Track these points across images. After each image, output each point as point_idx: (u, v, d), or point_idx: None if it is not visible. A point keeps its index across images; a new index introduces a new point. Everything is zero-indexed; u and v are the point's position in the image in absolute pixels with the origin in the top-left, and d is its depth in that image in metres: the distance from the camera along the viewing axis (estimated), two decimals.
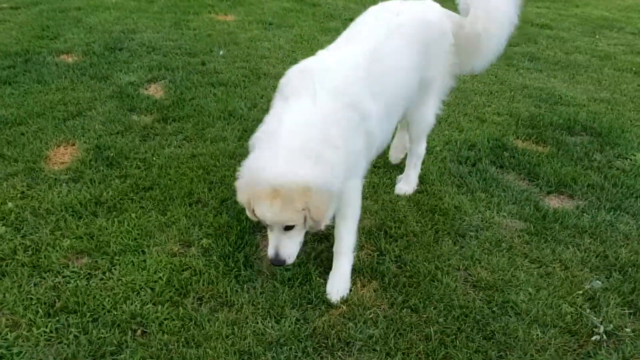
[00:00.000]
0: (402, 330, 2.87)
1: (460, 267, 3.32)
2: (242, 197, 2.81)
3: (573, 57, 7.62)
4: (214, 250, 3.35)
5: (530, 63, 7.21)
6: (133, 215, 3.61)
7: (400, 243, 3.46)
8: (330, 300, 3.04)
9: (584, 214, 3.86)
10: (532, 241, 3.57)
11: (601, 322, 2.90)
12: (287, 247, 2.83)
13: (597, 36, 8.78)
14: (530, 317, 2.97)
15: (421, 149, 3.98)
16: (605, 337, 2.84)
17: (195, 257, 3.29)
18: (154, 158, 4.29)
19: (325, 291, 3.08)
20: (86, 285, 3.05)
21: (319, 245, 3.42)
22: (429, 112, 3.72)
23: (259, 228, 3.57)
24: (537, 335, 2.87)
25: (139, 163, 4.20)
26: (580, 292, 3.14)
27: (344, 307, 3.00)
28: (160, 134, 4.70)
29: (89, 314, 2.86)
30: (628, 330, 2.89)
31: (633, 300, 3.11)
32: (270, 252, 2.84)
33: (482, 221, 3.74)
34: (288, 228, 2.78)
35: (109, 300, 2.95)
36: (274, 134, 2.74)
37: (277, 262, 2.84)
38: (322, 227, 2.83)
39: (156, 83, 5.76)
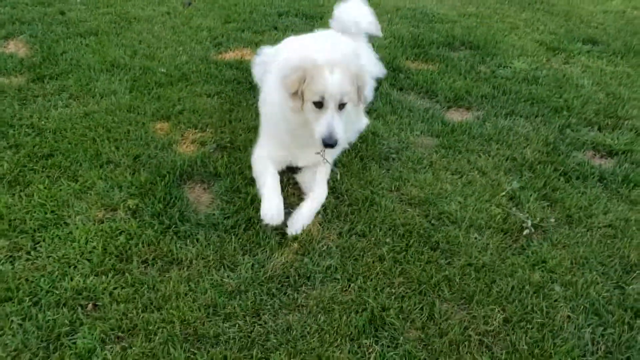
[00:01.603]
0: (356, 255, 2.95)
1: (392, 188, 3.45)
2: (292, 79, 3.00)
3: None
4: (144, 210, 3.16)
5: None
6: (40, 186, 3.27)
7: (332, 175, 3.50)
8: (290, 232, 3.05)
9: (486, 123, 4.15)
10: (448, 155, 3.79)
11: (527, 217, 3.20)
12: (340, 127, 2.98)
13: None
14: (466, 223, 3.18)
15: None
16: (533, 230, 3.14)
17: (125, 221, 3.08)
18: (43, 122, 3.87)
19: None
20: (12, 269, 2.75)
21: (253, 189, 3.35)
22: None
23: (184, 180, 3.42)
24: (476, 237, 3.10)
25: (27, 130, 3.77)
26: (503, 193, 3.41)
27: (296, 245, 3.00)
28: (40, 95, 4.24)
29: (27, 298, 2.59)
30: (552, 220, 3.21)
31: (547, 193, 3.45)
32: (324, 131, 2.96)
33: (399, 142, 3.88)
34: (342, 107, 3.00)
35: (44, 281, 2.69)
36: None
37: (331, 141, 2.95)
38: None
39: (14, 40, 5.14)
